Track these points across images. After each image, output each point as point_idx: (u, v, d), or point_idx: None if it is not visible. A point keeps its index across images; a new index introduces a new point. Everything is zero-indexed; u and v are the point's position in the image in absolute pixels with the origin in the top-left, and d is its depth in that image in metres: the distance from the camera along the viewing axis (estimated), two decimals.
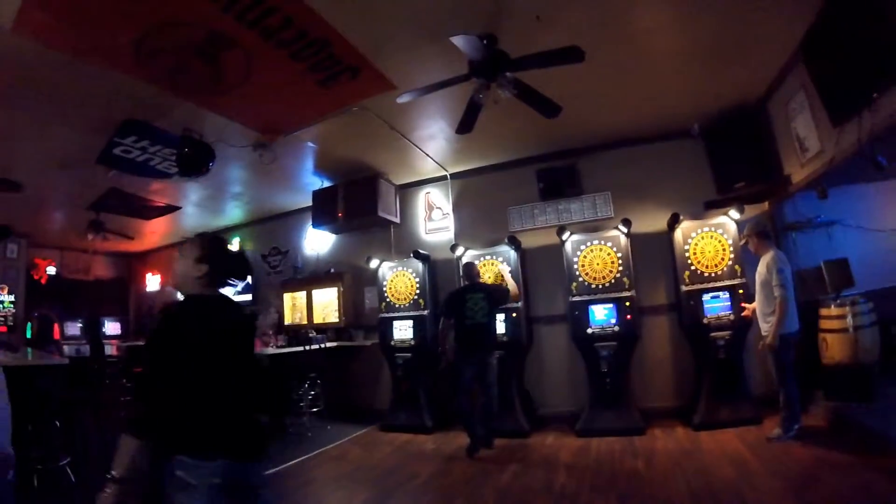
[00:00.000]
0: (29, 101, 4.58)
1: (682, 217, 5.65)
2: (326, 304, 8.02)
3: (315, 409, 6.87)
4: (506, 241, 6.42)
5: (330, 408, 7.09)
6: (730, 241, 5.39)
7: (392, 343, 6.74)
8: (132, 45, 3.84)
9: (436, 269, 7.15)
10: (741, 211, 5.37)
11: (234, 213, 9.19)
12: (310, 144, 6.22)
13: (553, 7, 3.74)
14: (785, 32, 4.23)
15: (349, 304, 7.90)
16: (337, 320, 7.86)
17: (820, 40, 3.99)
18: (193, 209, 8.64)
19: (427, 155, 6.60)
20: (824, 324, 4.83)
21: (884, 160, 3.84)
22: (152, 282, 11.70)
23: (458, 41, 3.49)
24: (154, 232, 9.99)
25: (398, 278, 6.98)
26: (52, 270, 10.62)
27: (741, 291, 5.24)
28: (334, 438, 6.19)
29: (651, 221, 6.13)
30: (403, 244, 7.60)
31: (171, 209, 8.37)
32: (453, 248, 6.71)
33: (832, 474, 3.56)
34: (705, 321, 5.32)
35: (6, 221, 8.41)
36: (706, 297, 5.38)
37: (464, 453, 5.09)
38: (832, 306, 4.79)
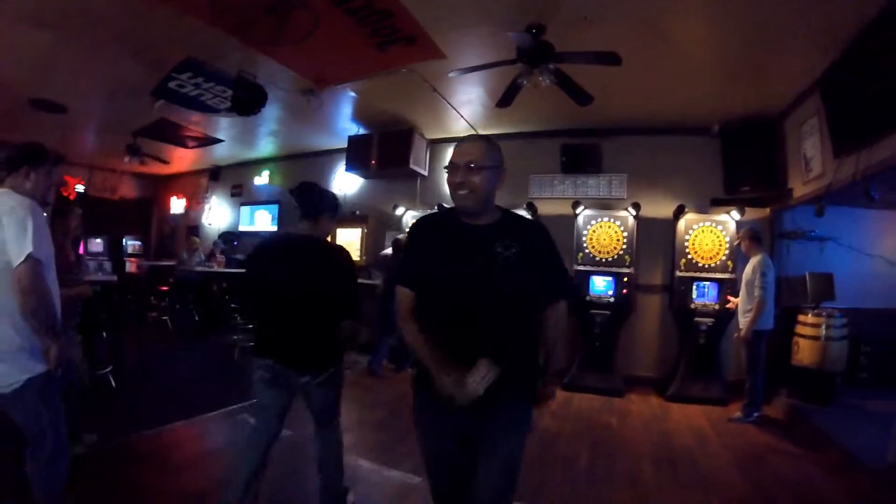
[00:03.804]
0: (93, 37, 4.93)
1: (687, 209, 6.14)
2: (349, 243, 8.54)
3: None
4: (524, 206, 6.90)
5: (346, 339, 7.62)
6: (727, 239, 5.90)
7: None
8: None
9: None
10: (742, 213, 5.85)
11: (266, 147, 9.55)
12: (351, 94, 6.58)
13: (600, 10, 4.09)
14: (809, 62, 4.55)
15: (371, 246, 8.42)
16: (358, 259, 8.40)
17: (837, 79, 4.33)
18: (227, 141, 8.97)
19: (461, 116, 6.95)
20: (800, 329, 5.27)
21: (876, 194, 4.25)
22: (176, 204, 12.08)
23: (512, 36, 3.91)
24: (182, 158, 10.31)
25: None
26: (80, 188, 10.83)
27: (729, 285, 5.77)
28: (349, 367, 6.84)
29: (659, 208, 6.57)
30: (428, 196, 8.04)
31: (212, 141, 8.75)
32: None
33: (777, 459, 4.14)
34: (692, 306, 5.91)
35: (46, 140, 8.69)
36: (697, 284, 5.94)
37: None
38: (809, 314, 5.23)
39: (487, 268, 1.88)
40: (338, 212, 2.94)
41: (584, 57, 4.17)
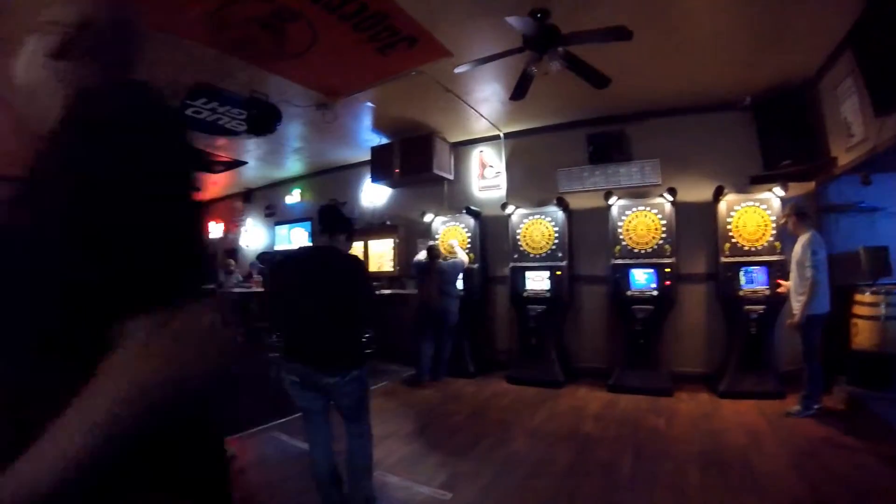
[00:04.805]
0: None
1: (726, 189, 5.73)
2: (382, 254, 8.53)
3: (368, 351, 7.41)
4: (554, 201, 6.64)
5: (381, 349, 7.51)
6: (772, 218, 5.46)
7: None
8: (204, 19, 4.17)
9: (486, 224, 7.45)
10: (785, 188, 5.40)
11: (294, 166, 9.66)
12: (368, 104, 6.53)
13: None
14: (835, 18, 4.20)
15: (403, 255, 8.35)
16: (391, 269, 8.36)
17: (868, 31, 3.96)
18: (255, 162, 9.14)
19: (482, 115, 6.79)
20: (857, 309, 4.83)
21: None
22: (215, 229, 12.32)
23: (512, 21, 3.71)
24: (216, 183, 10.60)
25: (450, 232, 7.37)
26: None
27: (778, 268, 5.33)
28: (385, 377, 6.77)
29: (696, 191, 6.19)
30: (456, 200, 7.90)
31: (237, 164, 8.92)
32: (504, 206, 6.96)
33: (836, 455, 3.76)
34: (741, 294, 5.47)
35: None
36: (744, 270, 5.52)
37: (499, 397, 5.75)
38: (867, 293, 4.78)
39: None
40: (352, 234, 3.19)
41: (592, 36, 3.92)
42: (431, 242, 6.96)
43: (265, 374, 6.47)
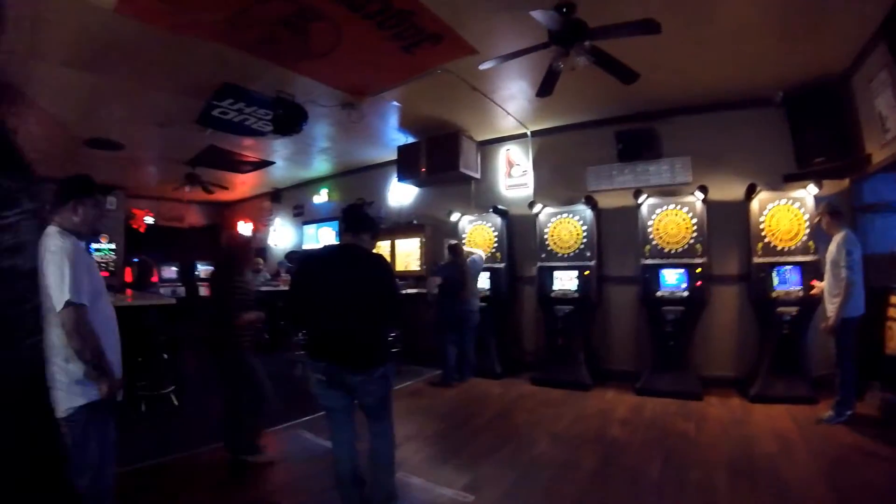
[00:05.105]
0: (129, 72, 5.13)
1: (759, 187, 5.57)
2: (409, 253, 8.54)
3: (393, 350, 7.41)
4: (582, 200, 6.55)
5: (407, 349, 7.52)
6: (806, 217, 5.29)
7: None
8: (227, 20, 4.21)
9: (513, 223, 7.39)
10: (819, 186, 5.22)
11: (321, 166, 9.77)
12: (394, 103, 6.53)
13: None
14: (869, 9, 4.05)
15: (430, 254, 8.33)
16: (418, 269, 8.36)
17: None
18: (283, 162, 9.27)
19: (508, 113, 6.74)
20: (892, 312, 4.60)
21: None
22: (243, 228, 12.53)
23: (537, 16, 3.66)
24: (244, 183, 10.80)
25: (477, 231, 7.34)
26: (149, 220, 11.82)
27: (812, 268, 5.15)
28: (409, 377, 6.76)
29: (728, 189, 6.02)
30: (483, 199, 7.86)
31: (264, 164, 9.06)
32: (531, 205, 6.88)
33: (868, 463, 3.63)
34: (773, 295, 5.31)
35: (108, 177, 9.44)
36: (777, 270, 5.35)
37: (525, 399, 5.67)
38: None
39: None
40: (376, 233, 3.19)
41: (619, 29, 3.84)
42: (454, 241, 6.89)
43: (289, 373, 6.52)
